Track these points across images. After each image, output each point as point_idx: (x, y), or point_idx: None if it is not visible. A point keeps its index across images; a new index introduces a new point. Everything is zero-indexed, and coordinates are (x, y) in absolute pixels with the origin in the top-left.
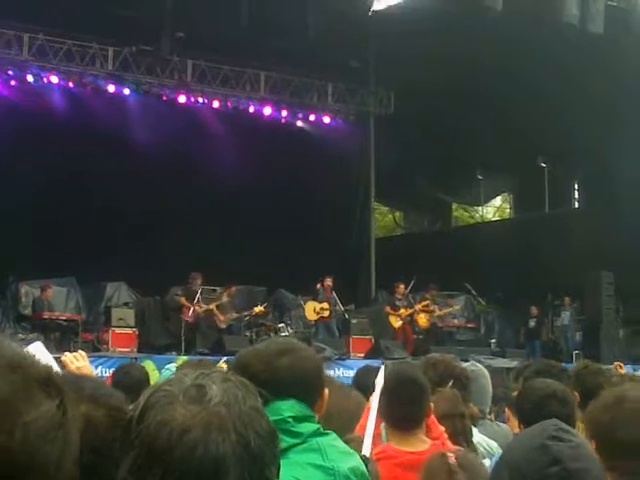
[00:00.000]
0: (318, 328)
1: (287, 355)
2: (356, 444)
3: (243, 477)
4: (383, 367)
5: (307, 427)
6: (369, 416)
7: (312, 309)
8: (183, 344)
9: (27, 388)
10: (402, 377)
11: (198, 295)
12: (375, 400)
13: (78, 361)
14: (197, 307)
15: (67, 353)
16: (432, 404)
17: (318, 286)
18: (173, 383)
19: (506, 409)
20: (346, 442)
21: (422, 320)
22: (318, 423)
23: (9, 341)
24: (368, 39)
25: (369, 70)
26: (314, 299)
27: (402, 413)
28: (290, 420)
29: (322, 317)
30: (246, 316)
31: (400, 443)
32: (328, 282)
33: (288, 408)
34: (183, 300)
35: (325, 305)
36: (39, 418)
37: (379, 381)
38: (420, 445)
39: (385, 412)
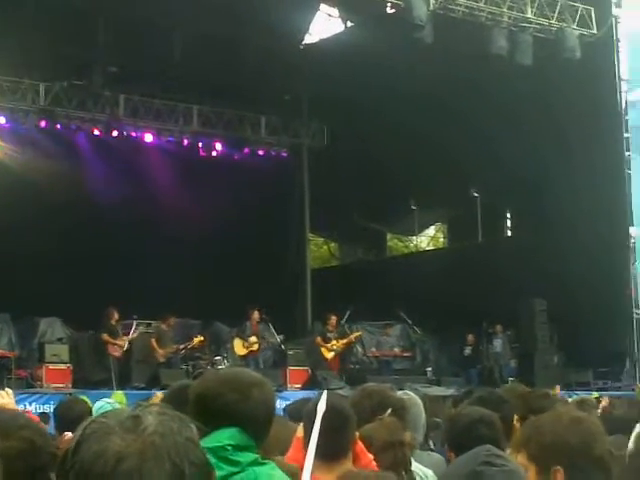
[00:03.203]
0: (249, 362)
1: (258, 387)
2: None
3: None
4: (325, 392)
5: (246, 456)
6: (310, 443)
7: (241, 345)
8: (114, 380)
9: None
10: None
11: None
12: (317, 425)
13: (3, 398)
14: (120, 341)
15: None
16: (371, 432)
17: (247, 322)
18: (109, 415)
19: None
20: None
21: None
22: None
23: None
24: (300, 72)
25: (302, 103)
26: (240, 336)
27: (326, 442)
28: (229, 448)
29: (251, 351)
30: (184, 348)
31: (325, 473)
32: (255, 316)
33: (229, 437)
34: (106, 337)
35: (253, 339)
36: None
37: (321, 407)
38: None
39: (308, 442)
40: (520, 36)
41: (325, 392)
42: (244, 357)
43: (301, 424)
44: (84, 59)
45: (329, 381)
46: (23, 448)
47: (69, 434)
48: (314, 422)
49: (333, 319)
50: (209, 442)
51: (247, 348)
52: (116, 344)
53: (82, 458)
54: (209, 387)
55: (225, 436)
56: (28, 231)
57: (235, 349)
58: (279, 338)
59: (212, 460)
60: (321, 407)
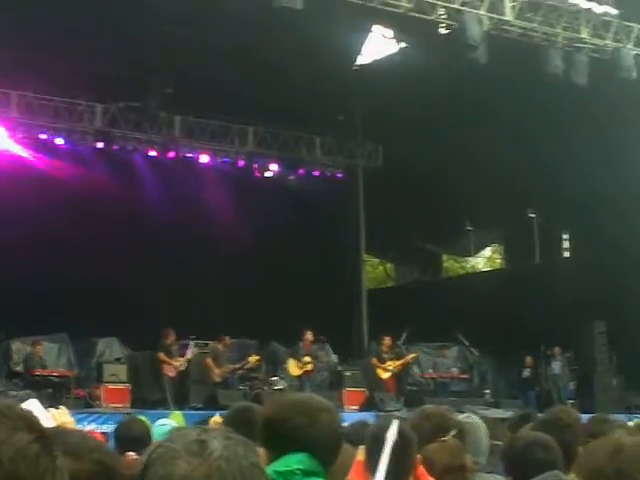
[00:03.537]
0: (303, 383)
1: (326, 412)
2: None
3: None
4: (396, 422)
5: None
6: (378, 471)
7: (295, 365)
8: (170, 400)
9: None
10: (386, 430)
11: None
12: (386, 454)
13: (61, 416)
14: (175, 362)
15: (51, 409)
16: (432, 455)
17: (300, 342)
18: (175, 439)
19: None
20: None
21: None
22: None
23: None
24: (354, 93)
25: (356, 123)
26: (293, 356)
27: (388, 466)
28: (298, 472)
29: (306, 371)
30: (240, 368)
31: None
32: (308, 336)
33: (298, 461)
34: (162, 356)
35: (307, 359)
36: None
37: (392, 434)
38: None
39: (371, 466)
40: (576, 56)
41: (397, 421)
42: (299, 377)
43: (360, 447)
44: (140, 81)
45: (386, 403)
46: (95, 470)
47: (131, 454)
48: (379, 447)
49: (387, 340)
50: (278, 466)
51: (301, 368)
52: (171, 364)
53: None
54: (277, 411)
55: (294, 460)
56: (86, 252)
57: (289, 369)
58: (335, 357)
59: None
60: (391, 435)
